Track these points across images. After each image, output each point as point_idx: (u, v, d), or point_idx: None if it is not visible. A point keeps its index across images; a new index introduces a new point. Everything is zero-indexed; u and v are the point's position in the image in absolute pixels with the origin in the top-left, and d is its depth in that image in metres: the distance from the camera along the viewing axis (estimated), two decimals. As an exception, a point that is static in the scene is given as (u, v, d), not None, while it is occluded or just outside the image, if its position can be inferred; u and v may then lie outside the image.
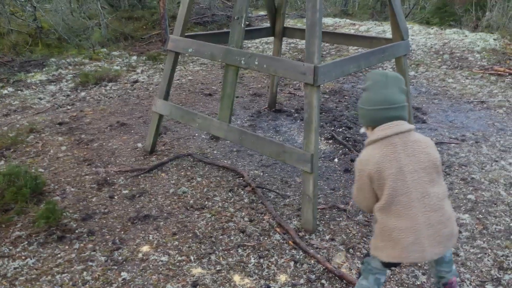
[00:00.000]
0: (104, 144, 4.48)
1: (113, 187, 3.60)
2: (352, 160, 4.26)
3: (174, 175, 3.84)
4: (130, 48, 9.38)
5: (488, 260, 2.84)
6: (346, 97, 6.30)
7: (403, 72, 4.14)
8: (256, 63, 3.22)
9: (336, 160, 4.31)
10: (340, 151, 4.49)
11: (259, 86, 6.62)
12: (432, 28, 11.27)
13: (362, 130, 1.99)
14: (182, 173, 3.88)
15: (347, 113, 5.58)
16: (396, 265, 2.14)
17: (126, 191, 3.54)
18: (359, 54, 3.42)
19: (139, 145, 4.42)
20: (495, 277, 2.68)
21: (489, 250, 2.94)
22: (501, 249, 2.95)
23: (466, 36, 9.95)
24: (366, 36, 4.48)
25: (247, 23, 11.26)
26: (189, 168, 3.98)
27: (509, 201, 3.58)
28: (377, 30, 10.76)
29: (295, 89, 6.54)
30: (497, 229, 3.19)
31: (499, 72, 7.41)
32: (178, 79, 6.96)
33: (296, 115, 5.49)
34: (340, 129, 5.05)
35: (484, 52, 8.49)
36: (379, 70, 1.99)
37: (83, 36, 9.58)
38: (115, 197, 3.45)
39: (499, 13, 11.67)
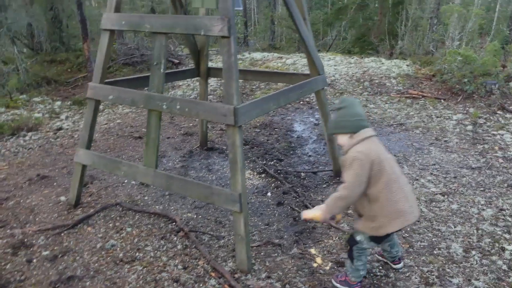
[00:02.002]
0: (21, 201, 4.15)
1: (31, 249, 3.31)
2: (285, 193, 4.33)
3: (101, 228, 3.63)
4: (53, 93, 8.97)
5: (416, 278, 2.98)
6: (276, 129, 6.47)
7: (323, 104, 4.35)
8: (178, 107, 3.22)
9: (269, 194, 4.35)
10: (273, 185, 4.56)
11: (191, 125, 6.59)
12: (352, 58, 12.07)
13: (341, 140, 2.56)
14: (110, 225, 3.69)
15: (278, 146, 5.71)
16: (388, 235, 2.61)
17: (47, 252, 3.27)
18: (278, 92, 3.54)
19: (63, 198, 4.15)
20: (422, 295, 2.81)
21: (416, 268, 3.09)
22: (426, 265, 3.11)
23: (383, 63, 10.77)
24: (286, 73, 4.68)
25: (177, 61, 11.31)
26: (118, 218, 3.80)
27: (430, 217, 3.82)
28: (302, 62, 11.30)
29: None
30: (421, 246, 3.38)
31: (414, 95, 8.07)
32: (106, 123, 6.73)
33: (228, 151, 5.50)
34: (272, 162, 5.14)
35: (399, 78, 9.21)
36: (347, 97, 2.68)
37: (-1, 83, 9.01)
38: (34, 260, 3.17)
39: (409, 41, 12.85)
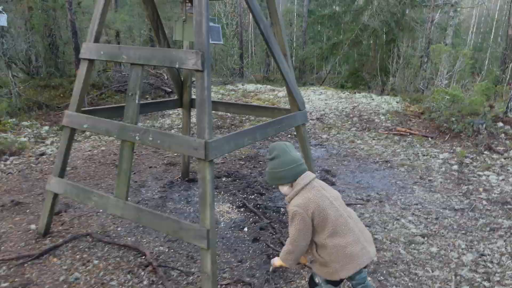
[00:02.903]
0: (-10, 228, 4.04)
1: (-10, 280, 3.19)
2: (262, 229, 4.24)
3: (67, 259, 3.51)
4: (43, 117, 8.96)
5: (388, 326, 2.86)
6: (261, 162, 6.43)
7: (303, 140, 4.33)
8: (151, 138, 3.19)
9: (246, 229, 4.26)
10: (251, 219, 4.47)
11: (175, 155, 6.55)
12: (344, 93, 12.22)
13: (283, 190, 2.47)
14: (77, 256, 3.57)
15: (261, 179, 5.65)
16: (344, 278, 2.45)
17: (6, 284, 3.14)
18: (255, 127, 3.53)
19: (33, 227, 4.04)
20: None
21: (389, 315, 2.98)
22: (399, 312, 3.00)
23: (373, 99, 10.89)
24: (268, 107, 4.70)
25: (170, 90, 11.37)
26: (86, 250, 3.68)
27: (407, 259, 3.73)
28: (294, 95, 11.42)
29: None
30: (396, 291, 3.28)
31: (401, 132, 8.10)
32: (90, 150, 6.69)
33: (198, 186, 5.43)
34: (253, 196, 5.07)
35: (388, 114, 9.29)
36: (277, 142, 2.52)
37: (-11, 107, 8.99)
38: (-9, 293, 3.05)
39: (400, 78, 13.04)
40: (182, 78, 4.93)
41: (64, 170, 3.79)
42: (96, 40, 3.56)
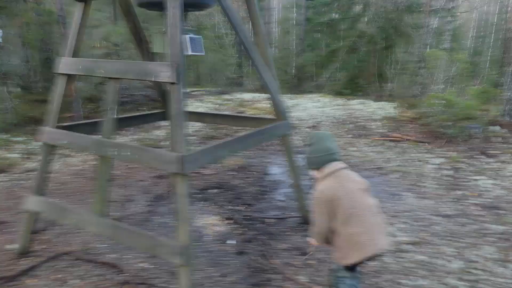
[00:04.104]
0: (-30, 248, 3.99)
1: (-36, 303, 3.14)
2: (248, 241, 4.17)
3: (44, 280, 3.45)
4: (37, 133, 8.96)
5: None
6: (254, 172, 6.37)
7: (288, 150, 4.27)
8: (128, 153, 3.15)
9: (231, 242, 4.18)
10: (238, 231, 4.40)
11: (166, 166, 6.50)
12: (340, 100, 12.17)
13: (313, 174, 2.69)
14: (57, 276, 3.50)
15: (251, 190, 5.59)
16: (358, 264, 2.60)
17: (-20, 306, 3.09)
18: (235, 139, 3.48)
19: (12, 246, 3.98)
20: None
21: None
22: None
23: (369, 106, 10.84)
24: (253, 117, 4.65)
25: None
26: (65, 269, 3.62)
27: (393, 268, 3.65)
28: (290, 104, 11.39)
29: (201, 168, 6.50)
30: (381, 303, 3.19)
31: (396, 138, 8.02)
32: (81, 165, 6.66)
33: (199, 195, 5.39)
34: (241, 207, 5.00)
35: (384, 120, 9.23)
36: (318, 131, 2.93)
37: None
38: (-36, 316, 2.99)
39: (397, 84, 12.99)
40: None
41: (43, 187, 3.75)
42: (74, 54, 3.54)
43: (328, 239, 2.64)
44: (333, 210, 2.50)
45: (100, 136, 3.35)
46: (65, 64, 3.56)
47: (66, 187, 5.66)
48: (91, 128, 3.93)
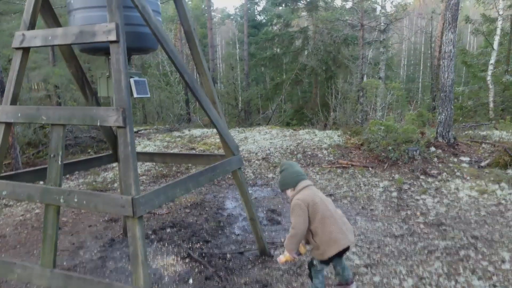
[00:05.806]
0: None
1: None
2: (207, 278, 4.10)
3: None
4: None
5: None
6: (207, 208, 6.33)
7: (240, 184, 4.33)
8: (76, 200, 3.05)
9: (190, 281, 4.10)
10: (196, 269, 4.31)
11: (116, 209, 6.28)
12: (288, 131, 12.53)
13: (288, 193, 3.40)
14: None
15: (207, 226, 5.54)
16: (334, 258, 3.28)
17: None
18: (186, 177, 3.49)
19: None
20: None
21: None
22: None
23: (316, 135, 11.25)
24: (203, 154, 4.68)
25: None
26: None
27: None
28: (240, 137, 11.55)
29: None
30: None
31: (343, 165, 8.36)
32: (22, 214, 6.26)
33: (153, 236, 5.24)
34: (198, 245, 4.93)
35: (330, 148, 9.59)
36: (286, 161, 3.83)
37: None
38: None
39: (340, 112, 13.65)
40: (115, 133, 4.83)
41: (-17, 242, 3.50)
42: (13, 102, 3.43)
43: (306, 239, 3.28)
44: (313, 213, 3.16)
45: (43, 184, 3.23)
46: (3, 112, 3.42)
47: (6, 241, 5.28)
48: (34, 176, 3.77)
